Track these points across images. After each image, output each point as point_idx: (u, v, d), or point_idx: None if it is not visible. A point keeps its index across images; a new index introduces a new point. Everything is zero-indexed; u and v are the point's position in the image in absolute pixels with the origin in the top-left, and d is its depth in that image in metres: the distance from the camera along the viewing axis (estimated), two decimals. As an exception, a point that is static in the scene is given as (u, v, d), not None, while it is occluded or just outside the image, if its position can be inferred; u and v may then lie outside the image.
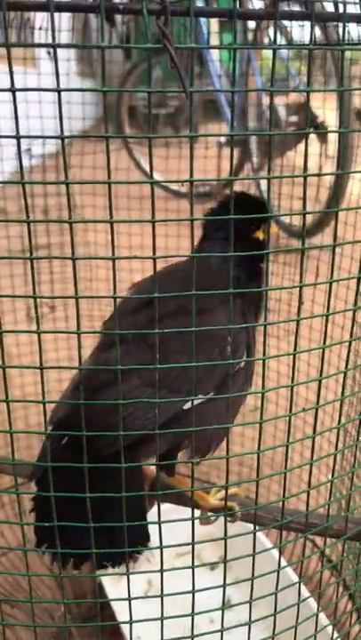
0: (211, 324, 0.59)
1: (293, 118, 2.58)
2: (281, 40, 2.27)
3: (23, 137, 0.36)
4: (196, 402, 0.60)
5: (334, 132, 0.47)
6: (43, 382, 0.42)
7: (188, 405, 0.60)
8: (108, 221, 0.38)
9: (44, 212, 1.40)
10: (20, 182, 0.37)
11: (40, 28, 1.02)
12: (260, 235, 0.73)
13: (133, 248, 1.24)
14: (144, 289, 0.70)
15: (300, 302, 0.44)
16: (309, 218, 2.12)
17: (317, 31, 1.64)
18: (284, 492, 0.50)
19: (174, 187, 2.84)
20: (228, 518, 0.69)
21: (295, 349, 0.45)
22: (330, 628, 0.65)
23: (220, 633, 0.54)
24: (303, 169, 0.42)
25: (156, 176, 2.95)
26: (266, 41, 2.49)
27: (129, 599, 0.48)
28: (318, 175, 0.46)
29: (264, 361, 0.43)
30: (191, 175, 0.39)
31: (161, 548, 0.46)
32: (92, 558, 0.51)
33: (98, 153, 1.32)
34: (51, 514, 0.45)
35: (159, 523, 0.45)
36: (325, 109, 2.14)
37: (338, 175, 0.95)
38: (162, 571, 0.47)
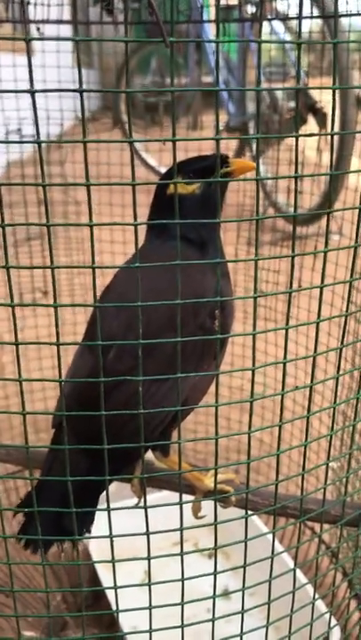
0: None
1: (292, 103, 2.54)
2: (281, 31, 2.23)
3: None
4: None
5: (329, 88, 0.45)
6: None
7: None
8: (85, 184, 0.35)
9: (38, 200, 1.37)
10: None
11: (29, 3, 0.98)
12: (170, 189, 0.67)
13: (127, 231, 1.21)
14: (122, 285, 0.67)
15: (292, 273, 0.41)
16: (309, 203, 2.08)
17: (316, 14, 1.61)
18: (277, 476, 0.48)
19: (153, 164, 2.83)
20: (221, 503, 0.67)
21: (287, 324, 0.42)
22: (327, 616, 0.63)
23: (217, 622, 0.52)
24: (295, 129, 0.39)
25: (150, 157, 2.93)
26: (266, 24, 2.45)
27: (115, 587, 0.46)
28: (310, 135, 0.44)
29: (254, 336, 0.41)
30: (174, 135, 0.37)
31: (147, 534, 0.44)
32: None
33: (90, 134, 1.29)
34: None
35: (145, 508, 0.43)
36: (323, 94, 2.10)
37: (336, 153, 0.92)
38: (149, 558, 0.45)
